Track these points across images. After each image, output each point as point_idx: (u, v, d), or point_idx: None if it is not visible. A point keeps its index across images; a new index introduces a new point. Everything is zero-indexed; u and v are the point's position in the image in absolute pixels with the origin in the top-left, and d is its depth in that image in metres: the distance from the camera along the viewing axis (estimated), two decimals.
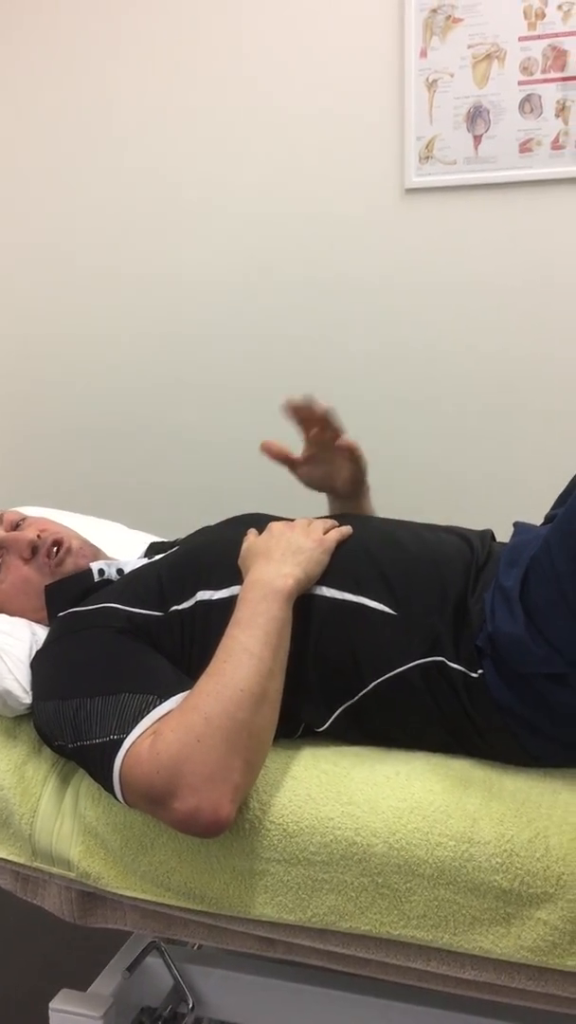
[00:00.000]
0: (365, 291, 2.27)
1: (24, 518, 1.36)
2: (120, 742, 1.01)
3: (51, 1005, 1.21)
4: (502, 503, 2.15)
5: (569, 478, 1.19)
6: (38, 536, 1.32)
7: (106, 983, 1.25)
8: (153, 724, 1.01)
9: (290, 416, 1.32)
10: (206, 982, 1.28)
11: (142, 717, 1.02)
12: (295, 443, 1.38)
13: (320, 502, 1.50)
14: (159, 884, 1.08)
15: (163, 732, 0.99)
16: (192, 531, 1.40)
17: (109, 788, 1.03)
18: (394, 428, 2.30)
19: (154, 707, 1.03)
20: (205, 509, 1.68)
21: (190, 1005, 1.26)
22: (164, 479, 2.50)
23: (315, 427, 1.33)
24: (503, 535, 1.27)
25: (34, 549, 1.31)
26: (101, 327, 2.49)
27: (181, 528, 1.50)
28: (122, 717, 1.03)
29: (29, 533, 1.32)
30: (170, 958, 1.27)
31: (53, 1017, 1.21)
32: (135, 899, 1.10)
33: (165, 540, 1.49)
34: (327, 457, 1.38)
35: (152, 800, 0.99)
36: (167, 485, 2.50)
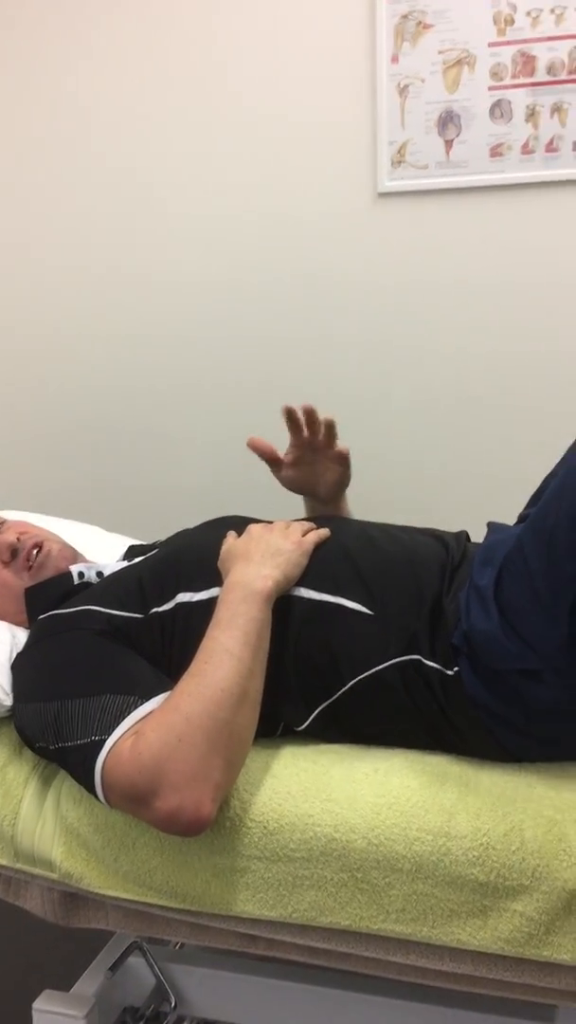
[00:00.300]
0: (339, 294, 2.29)
1: (3, 521, 1.36)
2: (102, 743, 1.02)
3: (34, 1006, 1.22)
4: (478, 502, 2.17)
5: (544, 476, 1.21)
6: (18, 539, 1.32)
7: (89, 983, 1.25)
8: (134, 725, 1.02)
9: (286, 418, 1.34)
10: (188, 981, 1.29)
11: (123, 718, 1.03)
12: (277, 444, 1.40)
13: (299, 505, 1.52)
14: (141, 883, 1.09)
15: (144, 732, 1.01)
16: (171, 534, 1.41)
17: (91, 789, 1.04)
18: (369, 428, 2.32)
19: (135, 708, 1.04)
20: (184, 511, 1.69)
21: (172, 1004, 1.27)
22: (142, 481, 2.51)
23: (308, 432, 1.35)
24: (481, 531, 1.29)
25: (14, 552, 1.32)
26: (78, 328, 2.49)
27: (159, 531, 1.51)
28: (103, 718, 1.04)
29: (8, 536, 1.32)
30: (152, 958, 1.28)
31: (36, 1017, 1.21)
32: (117, 899, 1.11)
33: (144, 543, 1.50)
34: (311, 459, 1.40)
35: (134, 800, 1.00)
36: (145, 488, 2.51)
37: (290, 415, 1.35)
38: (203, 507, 1.58)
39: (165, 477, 2.50)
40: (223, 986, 1.28)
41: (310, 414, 1.34)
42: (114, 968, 1.25)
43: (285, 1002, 1.25)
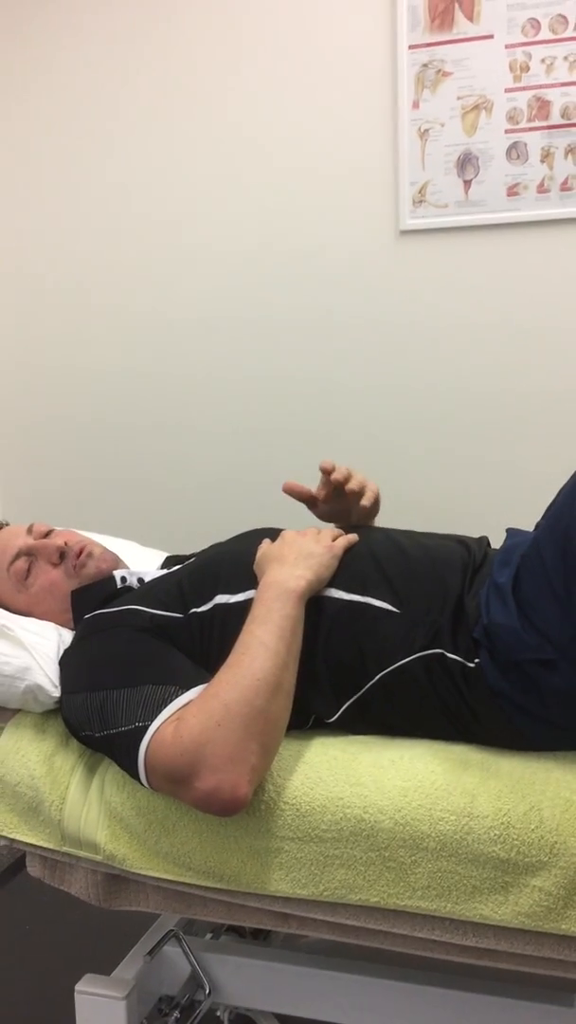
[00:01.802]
0: (362, 327, 2.39)
1: (52, 530, 1.45)
2: (145, 728, 1.09)
3: (77, 988, 1.28)
4: (493, 523, 2.25)
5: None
6: (65, 543, 1.41)
7: (128, 968, 1.31)
8: (176, 712, 1.09)
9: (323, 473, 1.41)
10: (222, 970, 1.34)
11: (165, 706, 1.10)
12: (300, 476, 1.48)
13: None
14: (180, 864, 1.16)
15: (185, 718, 1.08)
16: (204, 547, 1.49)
17: (134, 773, 1.11)
18: (385, 461, 2.40)
19: (176, 697, 1.11)
20: (209, 535, 1.77)
21: (207, 991, 1.32)
22: (172, 508, 2.60)
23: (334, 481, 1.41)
24: (495, 545, 1.36)
25: (62, 555, 1.40)
26: (110, 361, 2.60)
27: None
28: (146, 706, 1.11)
29: (57, 541, 1.41)
30: (187, 946, 1.34)
31: (79, 999, 1.27)
32: (158, 879, 1.18)
33: (180, 555, 1.58)
34: (343, 494, 1.45)
35: (175, 781, 1.07)
36: (175, 512, 2.60)
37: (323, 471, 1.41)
38: (227, 531, 1.64)
39: (194, 509, 2.58)
40: (255, 975, 1.33)
41: (328, 473, 1.40)
42: (152, 953, 1.31)
43: (315, 990, 1.30)
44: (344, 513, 1.49)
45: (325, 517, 1.51)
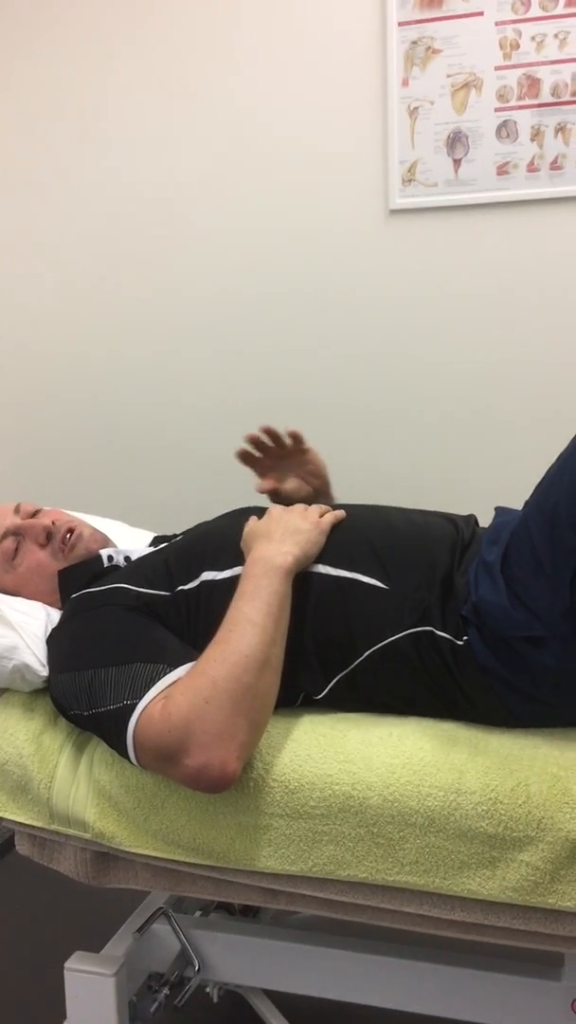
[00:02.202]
0: (352, 306, 2.38)
1: (39, 509, 1.45)
2: (133, 706, 1.09)
3: (66, 965, 1.28)
4: (485, 501, 2.25)
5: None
6: (52, 523, 1.40)
7: (117, 946, 1.32)
8: (164, 689, 1.09)
9: (254, 447, 1.52)
10: (211, 947, 1.35)
11: (153, 683, 1.10)
12: None
13: None
14: (169, 841, 1.16)
15: (173, 695, 1.08)
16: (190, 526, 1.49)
17: (123, 751, 1.11)
18: (378, 440, 2.40)
19: (164, 674, 1.11)
20: (197, 516, 1.77)
21: (196, 968, 1.33)
22: (159, 489, 2.59)
23: (273, 449, 1.52)
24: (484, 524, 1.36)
25: (49, 535, 1.40)
26: (102, 341, 2.59)
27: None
28: (134, 684, 1.11)
29: (44, 520, 1.41)
30: (177, 923, 1.34)
31: (68, 976, 1.28)
32: (147, 856, 1.18)
33: (167, 534, 1.58)
34: (287, 466, 1.56)
35: (164, 758, 1.07)
36: (162, 494, 2.59)
37: (259, 444, 1.52)
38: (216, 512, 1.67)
39: (171, 488, 2.58)
40: (244, 951, 1.33)
41: (270, 432, 1.51)
42: (141, 930, 1.32)
43: (304, 966, 1.31)
44: (302, 480, 1.56)
45: (295, 492, 1.56)
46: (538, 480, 1.32)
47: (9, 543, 1.40)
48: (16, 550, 1.40)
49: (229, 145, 2.40)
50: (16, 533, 1.40)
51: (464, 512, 1.42)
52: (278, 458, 1.55)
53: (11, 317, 2.67)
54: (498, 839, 1.05)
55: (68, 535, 1.40)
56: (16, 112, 2.55)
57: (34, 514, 1.43)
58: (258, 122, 2.36)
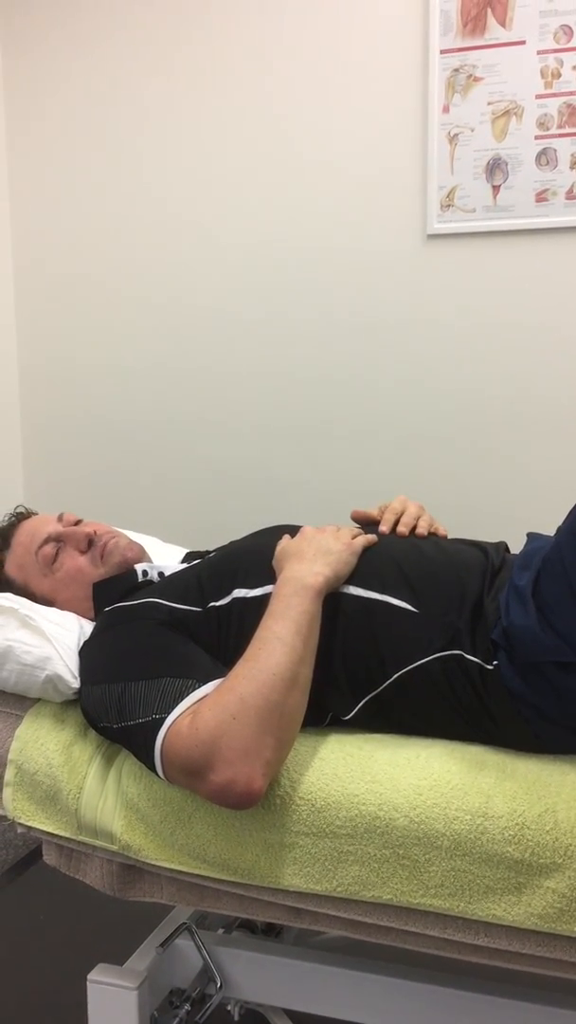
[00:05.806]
0: (389, 330, 2.39)
1: (81, 520, 1.48)
2: (162, 721, 1.10)
3: (89, 977, 1.29)
4: (522, 526, 2.25)
5: None
6: (94, 532, 1.43)
7: (141, 960, 1.32)
8: (192, 705, 1.10)
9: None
10: (234, 964, 1.34)
11: (182, 699, 1.11)
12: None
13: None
14: (195, 856, 1.16)
15: (201, 711, 1.08)
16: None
17: (150, 764, 1.12)
18: (412, 464, 2.41)
19: (193, 690, 1.12)
20: (230, 533, 1.78)
21: (218, 985, 1.33)
22: (193, 506, 2.61)
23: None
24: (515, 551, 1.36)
25: (90, 542, 1.43)
26: (133, 358, 2.62)
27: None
28: (164, 699, 1.12)
29: (86, 528, 1.44)
30: (200, 939, 1.34)
31: (91, 988, 1.28)
32: (172, 871, 1.18)
33: (201, 550, 1.59)
34: None
35: (190, 773, 1.08)
36: (197, 510, 2.61)
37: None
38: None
39: (213, 515, 2.59)
40: (267, 970, 1.33)
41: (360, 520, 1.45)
42: (164, 945, 1.32)
43: (326, 987, 1.30)
44: None
45: None
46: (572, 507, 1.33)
47: (50, 548, 1.43)
48: (56, 555, 1.43)
49: (271, 170, 2.43)
50: (58, 539, 1.43)
51: (503, 537, 1.43)
52: None
53: (49, 331, 2.71)
54: (524, 865, 1.05)
55: (108, 544, 1.43)
56: (35, 120, 2.60)
57: (76, 523, 1.46)
58: (297, 145, 2.39)
